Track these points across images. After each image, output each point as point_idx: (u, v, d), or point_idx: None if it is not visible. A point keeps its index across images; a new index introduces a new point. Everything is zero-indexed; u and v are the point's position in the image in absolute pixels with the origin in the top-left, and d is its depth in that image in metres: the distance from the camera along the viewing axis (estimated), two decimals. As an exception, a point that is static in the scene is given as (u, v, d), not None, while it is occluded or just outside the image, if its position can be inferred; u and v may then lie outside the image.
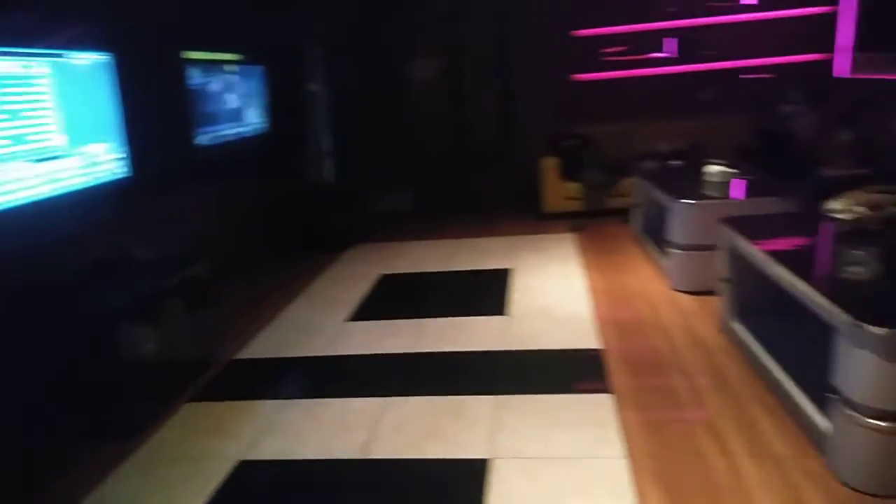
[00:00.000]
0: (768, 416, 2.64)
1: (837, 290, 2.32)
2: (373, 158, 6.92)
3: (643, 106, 6.75)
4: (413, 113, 7.14)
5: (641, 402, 2.84)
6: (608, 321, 3.74)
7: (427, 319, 3.95)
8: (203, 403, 3.14)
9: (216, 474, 2.53)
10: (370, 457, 2.59)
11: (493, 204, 6.94)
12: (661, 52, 6.82)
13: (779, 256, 2.74)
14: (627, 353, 3.34)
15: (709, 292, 3.79)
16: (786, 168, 5.00)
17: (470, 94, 7.10)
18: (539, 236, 5.73)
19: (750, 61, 6.69)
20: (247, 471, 2.57)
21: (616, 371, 3.13)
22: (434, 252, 5.48)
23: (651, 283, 4.34)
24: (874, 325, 1.99)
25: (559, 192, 6.22)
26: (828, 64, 6.32)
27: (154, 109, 3.91)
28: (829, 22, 6.28)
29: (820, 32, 6.36)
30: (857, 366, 2.08)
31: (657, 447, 2.49)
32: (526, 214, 6.49)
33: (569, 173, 6.18)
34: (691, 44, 6.75)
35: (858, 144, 4.73)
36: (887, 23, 5.67)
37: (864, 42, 6.00)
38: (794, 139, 5.65)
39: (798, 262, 2.70)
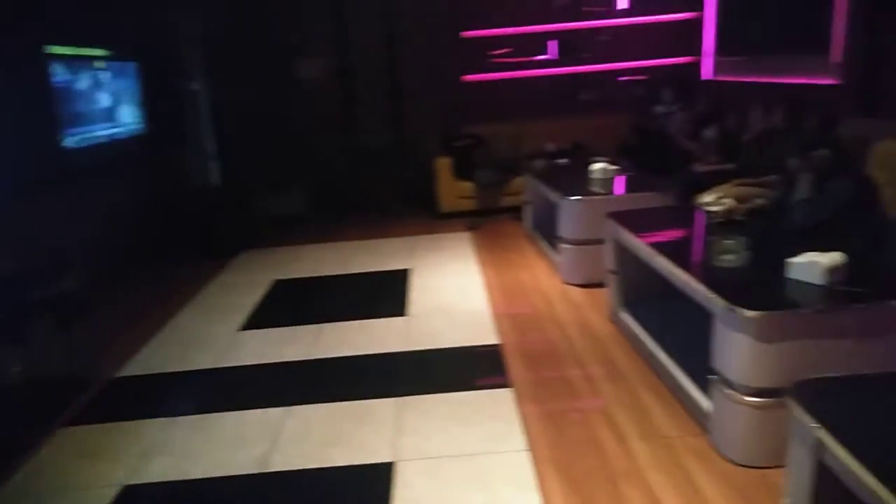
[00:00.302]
0: (657, 400, 2.79)
1: (713, 278, 2.49)
2: (262, 160, 6.68)
3: (530, 106, 6.97)
4: (304, 113, 6.96)
5: (539, 394, 2.92)
6: (505, 316, 3.82)
7: (326, 324, 3.86)
8: (82, 427, 2.89)
9: (97, 503, 2.34)
10: (269, 470, 2.49)
11: (389, 204, 6.90)
12: (544, 54, 7.06)
13: (659, 247, 2.91)
14: (525, 346, 3.42)
15: (598, 284, 3.96)
16: (661, 165, 5.32)
17: (361, 94, 7.02)
18: (436, 236, 5.76)
19: (626, 64, 7.08)
20: (132, 496, 2.40)
21: (514, 365, 3.20)
22: (331, 255, 5.37)
23: (544, 277, 4.48)
24: (747, 308, 2.14)
25: (454, 191, 6.29)
26: (696, 66, 6.82)
27: (11, 109, 3.56)
28: (695, 28, 6.78)
29: (688, 37, 6.84)
30: (733, 347, 2.24)
31: (556, 437, 2.57)
32: (422, 214, 6.51)
33: (462, 173, 6.26)
34: (571, 47, 7.05)
35: (724, 141, 5.11)
36: (740, 30, 6.20)
37: (723, 47, 6.53)
38: (667, 137, 6.03)
39: (676, 252, 2.87)
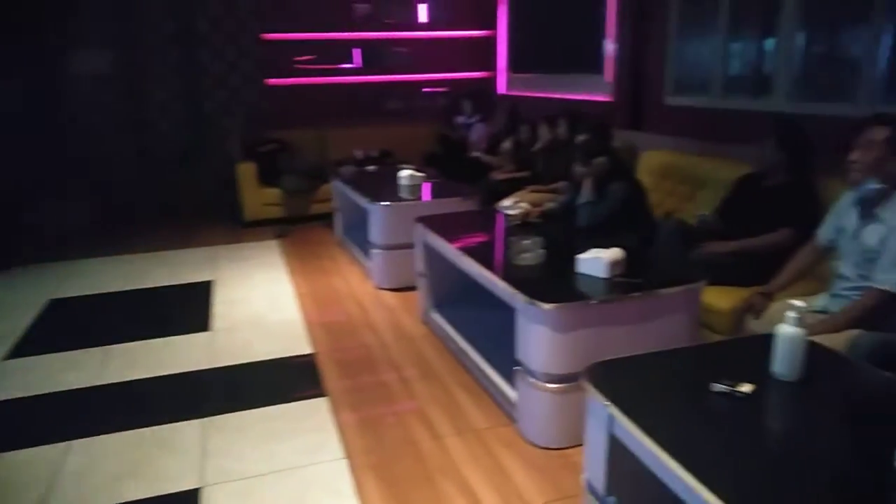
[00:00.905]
0: (469, 396, 2.90)
1: (513, 275, 2.65)
2: (31, 167, 5.85)
3: (337, 113, 6.94)
4: (84, 113, 6.23)
5: (356, 400, 2.89)
6: (318, 325, 3.74)
7: (115, 346, 3.47)
8: None
9: None
10: (48, 516, 2.17)
11: (188, 213, 6.43)
12: (349, 62, 7.07)
13: (465, 250, 3.04)
14: (339, 353, 3.37)
15: (410, 287, 4.03)
16: (463, 173, 5.59)
17: (152, 93, 6.46)
18: (241, 245, 5.47)
19: (429, 75, 7.34)
20: None
21: (329, 373, 3.14)
22: (120, 269, 4.85)
23: (357, 283, 4.46)
24: (544, 302, 2.32)
25: (259, 198, 6.03)
26: (492, 81, 7.28)
27: None
28: (490, 45, 7.24)
29: (485, 53, 7.28)
30: (533, 339, 2.41)
31: (373, 442, 2.56)
32: (225, 223, 6.15)
33: (268, 179, 6.03)
34: (375, 56, 7.14)
35: (518, 152, 5.51)
36: (529, 50, 6.75)
37: (515, 64, 7.06)
38: (468, 147, 6.35)
39: (481, 253, 3.03)
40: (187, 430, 2.65)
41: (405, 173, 4.62)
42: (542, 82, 6.38)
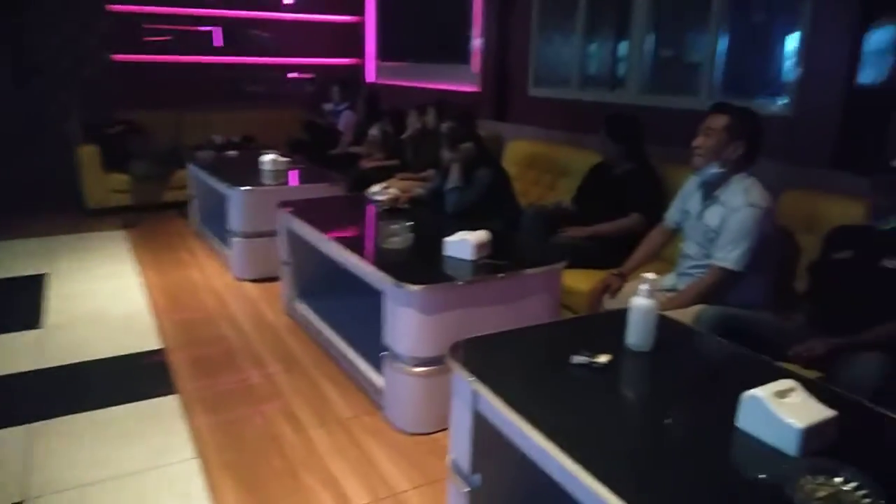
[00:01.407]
0: (334, 386, 2.79)
1: (381, 259, 2.58)
2: None
3: (196, 95, 6.49)
4: None
5: (211, 396, 2.69)
6: (169, 319, 3.45)
7: (-82, 348, 2.99)
8: None
9: None
10: None
11: (19, 200, 5.73)
12: (210, 39, 6.64)
13: (332, 234, 2.92)
14: (193, 348, 3.13)
15: (273, 278, 3.84)
16: (331, 160, 5.43)
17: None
18: (83, 235, 4.95)
19: (295, 60, 7.07)
20: None
21: (181, 369, 2.90)
22: (-72, 262, 4.22)
23: (215, 275, 4.18)
24: (412, 283, 2.26)
25: (104, 184, 5.48)
26: (361, 68, 7.15)
27: None
28: (359, 32, 7.10)
29: (353, 40, 7.13)
30: (401, 322, 2.35)
31: (230, 440, 2.39)
32: (65, 211, 5.54)
33: (114, 164, 5.50)
34: (237, 36, 6.77)
35: (386, 140, 5.44)
36: (398, 39, 6.71)
37: (384, 52, 6.98)
38: (337, 134, 6.19)
39: (348, 238, 2.93)
40: (8, 439, 2.32)
41: (268, 157, 4.39)
42: (410, 71, 6.35)
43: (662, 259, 2.88)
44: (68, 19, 5.91)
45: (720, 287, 2.34)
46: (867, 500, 1.13)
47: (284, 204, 3.45)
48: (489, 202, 3.48)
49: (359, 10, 7.02)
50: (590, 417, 1.45)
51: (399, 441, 2.40)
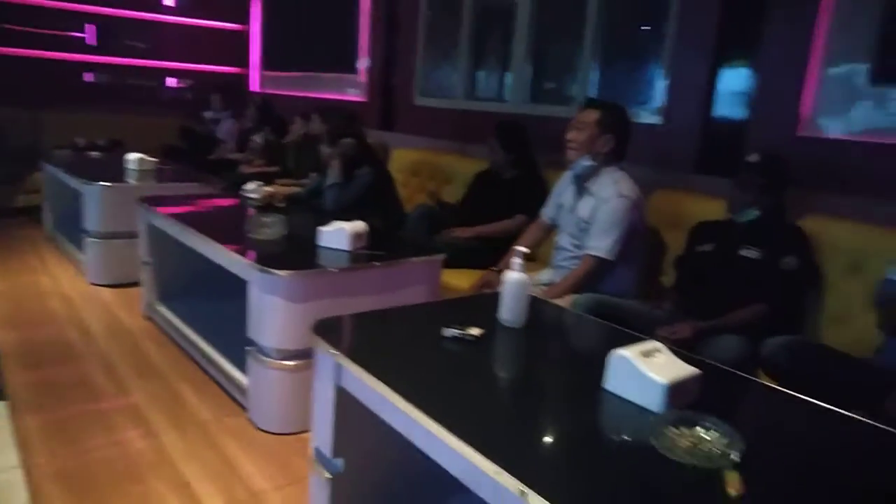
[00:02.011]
0: (194, 389, 2.55)
1: (249, 249, 2.41)
2: None
3: (60, 94, 5.95)
4: None
5: (47, 401, 2.37)
6: (10, 324, 3.05)
7: None
8: None
9: None
10: None
11: None
12: (82, 36, 6.15)
13: (193, 224, 2.70)
14: (33, 353, 2.77)
15: (133, 284, 3.50)
16: (209, 166, 5.15)
17: None
18: None
19: (174, 64, 6.70)
20: None
21: (12, 373, 2.55)
22: None
23: (66, 280, 3.77)
24: (279, 269, 2.11)
25: (-61, 184, 4.87)
26: (244, 78, 6.90)
27: None
28: (243, 40, 6.87)
29: (237, 48, 6.88)
30: (267, 312, 2.18)
31: (64, 446, 2.10)
32: None
33: (-46, 162, 4.91)
34: (113, 35, 6.33)
35: (268, 147, 5.24)
36: (282, 47, 6.54)
37: (268, 61, 6.79)
38: (215, 142, 5.90)
39: (215, 230, 2.70)
40: None
41: (133, 156, 4.07)
42: (296, 81, 6.19)
43: (539, 261, 2.90)
44: None
45: (593, 276, 2.37)
46: (726, 445, 1.12)
47: (145, 199, 3.17)
48: (370, 201, 3.39)
49: (244, 18, 6.79)
50: (459, 386, 1.38)
51: (263, 441, 2.21)
